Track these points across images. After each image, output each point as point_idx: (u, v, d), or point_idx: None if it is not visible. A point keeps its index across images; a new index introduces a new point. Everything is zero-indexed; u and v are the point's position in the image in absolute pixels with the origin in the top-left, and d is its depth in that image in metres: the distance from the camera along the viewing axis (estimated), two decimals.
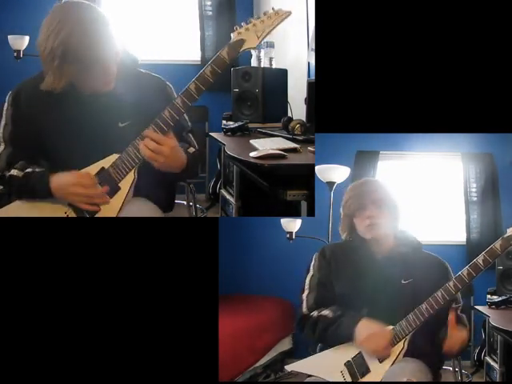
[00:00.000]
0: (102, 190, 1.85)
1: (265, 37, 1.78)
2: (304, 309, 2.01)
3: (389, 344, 1.84)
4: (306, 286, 2.03)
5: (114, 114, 1.89)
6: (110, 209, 1.87)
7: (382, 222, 1.97)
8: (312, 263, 2.06)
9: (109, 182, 1.86)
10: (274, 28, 1.78)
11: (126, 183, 1.87)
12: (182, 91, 1.81)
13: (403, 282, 1.92)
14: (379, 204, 1.98)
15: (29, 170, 1.89)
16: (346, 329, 1.88)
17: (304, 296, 2.03)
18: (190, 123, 2.05)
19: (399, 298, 1.89)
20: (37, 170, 1.88)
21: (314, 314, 1.97)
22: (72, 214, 1.90)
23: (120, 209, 1.88)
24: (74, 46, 1.73)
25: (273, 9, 1.77)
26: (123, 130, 1.89)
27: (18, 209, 1.92)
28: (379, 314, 1.87)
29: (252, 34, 1.77)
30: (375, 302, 1.89)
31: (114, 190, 1.87)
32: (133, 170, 1.86)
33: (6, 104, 1.95)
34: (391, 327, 1.86)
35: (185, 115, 1.98)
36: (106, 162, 1.87)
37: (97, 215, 1.88)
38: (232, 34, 1.79)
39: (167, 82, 2.02)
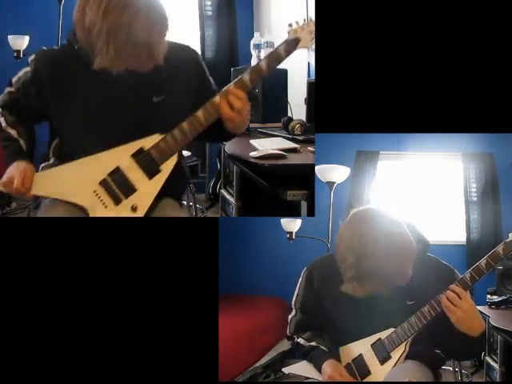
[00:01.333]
0: None
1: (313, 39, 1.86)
2: (288, 332, 2.04)
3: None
4: (292, 306, 2.04)
5: (148, 88, 1.84)
6: (148, 192, 1.83)
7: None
8: (299, 280, 2.01)
9: (149, 163, 1.82)
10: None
11: (168, 166, 1.83)
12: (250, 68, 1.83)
13: (408, 302, 1.81)
14: (411, 256, 1.77)
15: (16, 137, 1.88)
16: (315, 364, 1.91)
17: (290, 317, 2.04)
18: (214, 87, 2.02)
19: (402, 319, 1.81)
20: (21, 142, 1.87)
21: (295, 338, 2.01)
22: (104, 194, 1.84)
23: (159, 192, 1.84)
24: (127, 27, 1.67)
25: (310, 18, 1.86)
26: (158, 104, 1.85)
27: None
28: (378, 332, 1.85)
29: (307, 34, 1.83)
30: (374, 325, 1.85)
31: (153, 172, 1.83)
32: (176, 153, 1.84)
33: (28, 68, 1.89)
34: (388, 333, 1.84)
35: (210, 79, 1.98)
36: (147, 143, 1.82)
37: (135, 195, 1.82)
38: (288, 32, 1.82)
39: (196, 50, 1.98)
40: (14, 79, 1.92)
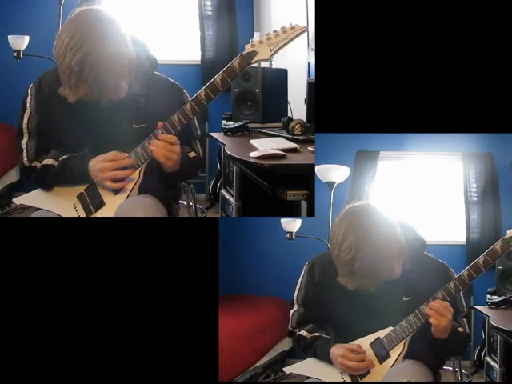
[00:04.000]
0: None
1: (278, 50, 1.85)
2: (289, 326, 2.04)
3: (361, 360, 1.83)
4: (294, 301, 2.04)
5: (129, 115, 1.92)
6: (113, 205, 1.92)
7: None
8: (301, 275, 2.02)
9: None
10: (288, 42, 1.85)
11: (131, 182, 1.92)
12: (191, 98, 1.87)
13: (405, 299, 1.85)
14: (400, 253, 1.82)
15: (64, 156, 1.92)
16: (321, 353, 1.91)
17: (291, 312, 2.04)
18: (199, 131, 2.08)
19: (400, 316, 1.84)
20: (75, 154, 1.92)
21: (296, 332, 2.00)
22: (79, 206, 1.94)
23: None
24: (91, 64, 1.77)
25: (290, 24, 1.84)
26: (137, 131, 1.92)
27: (31, 199, 1.98)
28: (377, 330, 1.86)
29: (265, 47, 1.84)
30: (373, 321, 1.86)
31: (118, 189, 1.91)
32: (138, 170, 1.91)
33: (28, 96, 1.96)
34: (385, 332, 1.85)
35: (196, 123, 2.04)
36: None
37: (103, 209, 1.92)
38: (246, 46, 1.85)
39: (184, 90, 2.03)
40: (23, 126, 1.97)
